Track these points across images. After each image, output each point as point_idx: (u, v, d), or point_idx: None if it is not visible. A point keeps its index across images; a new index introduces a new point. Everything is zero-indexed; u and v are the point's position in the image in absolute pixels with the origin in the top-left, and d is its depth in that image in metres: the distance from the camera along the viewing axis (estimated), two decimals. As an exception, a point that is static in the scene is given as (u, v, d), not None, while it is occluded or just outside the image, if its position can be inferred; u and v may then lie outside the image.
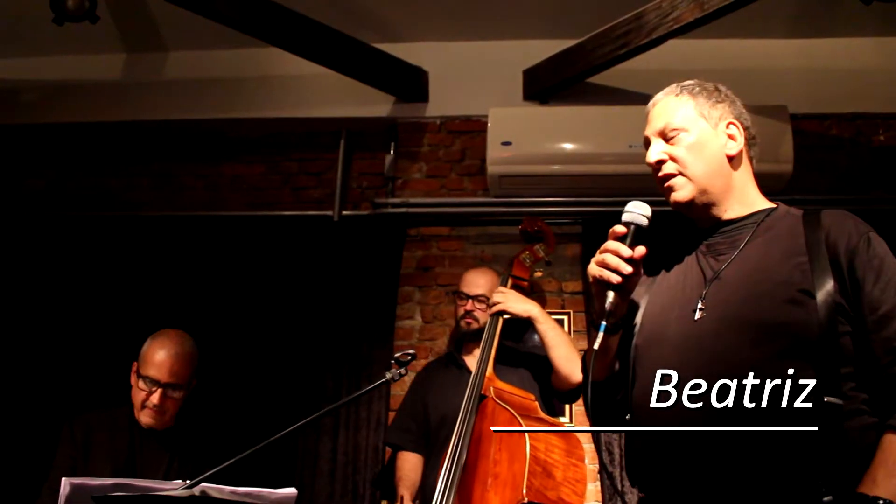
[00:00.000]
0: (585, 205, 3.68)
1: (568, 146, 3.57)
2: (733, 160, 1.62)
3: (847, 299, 1.42)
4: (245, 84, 4.01)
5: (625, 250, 1.52)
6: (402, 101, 3.95)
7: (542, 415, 2.74)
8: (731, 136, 1.62)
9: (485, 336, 2.92)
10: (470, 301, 3.09)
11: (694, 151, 1.59)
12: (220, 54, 4.03)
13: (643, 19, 3.32)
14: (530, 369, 2.97)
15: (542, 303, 3.68)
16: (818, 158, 3.72)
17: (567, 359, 2.82)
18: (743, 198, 1.61)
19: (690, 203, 1.60)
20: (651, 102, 1.70)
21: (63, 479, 1.83)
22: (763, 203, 1.63)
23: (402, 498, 2.84)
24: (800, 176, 3.49)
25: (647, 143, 1.67)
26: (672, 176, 1.60)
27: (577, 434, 2.76)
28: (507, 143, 3.57)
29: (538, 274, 3.53)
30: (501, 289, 3.03)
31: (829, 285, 1.41)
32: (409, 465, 2.98)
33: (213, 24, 3.44)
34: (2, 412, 3.52)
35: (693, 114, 1.62)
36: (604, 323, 1.50)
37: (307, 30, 3.52)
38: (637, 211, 1.55)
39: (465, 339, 3.14)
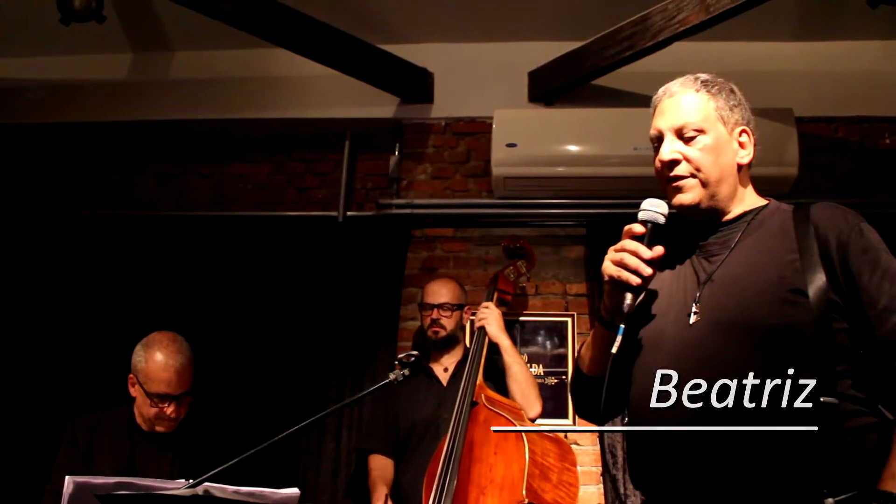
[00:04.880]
0: (590, 207, 3.67)
1: (573, 148, 3.57)
2: (741, 168, 1.60)
3: (840, 295, 1.40)
4: (250, 84, 4.02)
5: (644, 251, 1.48)
6: (407, 103, 3.95)
7: (529, 423, 2.82)
8: (741, 144, 1.60)
9: (474, 346, 2.99)
10: (435, 310, 3.17)
11: (710, 155, 1.55)
12: (226, 54, 4.04)
13: (649, 21, 3.32)
14: (503, 384, 3.02)
15: (546, 305, 3.70)
16: (824, 162, 3.71)
17: (524, 395, 2.95)
18: (741, 201, 1.60)
19: (696, 206, 1.56)
20: (665, 91, 1.63)
21: (67, 477, 1.83)
22: (756, 202, 1.61)
23: (386, 496, 2.91)
24: (805, 179, 3.48)
25: (658, 136, 1.60)
26: (683, 177, 1.55)
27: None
28: (511, 145, 3.56)
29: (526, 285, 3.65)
30: (488, 304, 3.13)
31: (821, 282, 1.40)
32: (384, 465, 3.05)
33: (218, 24, 3.44)
34: (6, 412, 3.53)
35: (713, 115, 1.57)
36: (622, 326, 1.47)
37: (312, 31, 3.53)
38: (654, 209, 1.52)
39: (433, 347, 3.20)
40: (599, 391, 1.58)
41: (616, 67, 3.55)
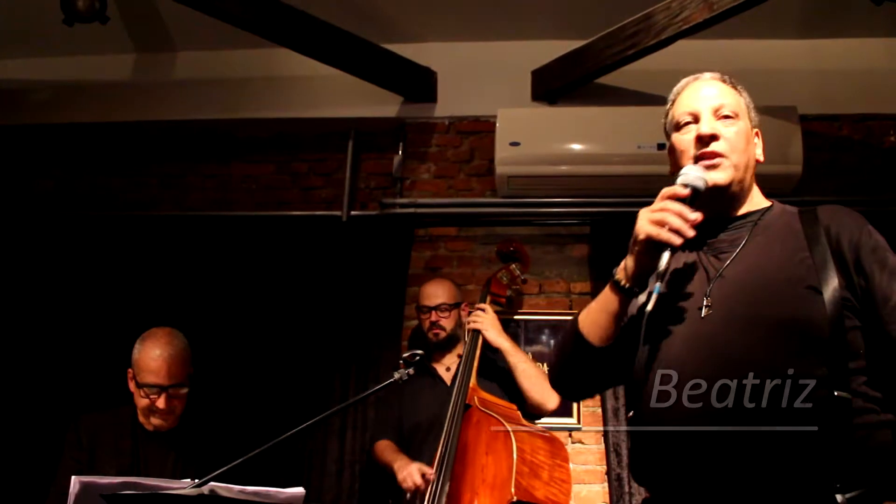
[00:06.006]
0: (593, 205, 3.67)
1: (576, 147, 3.57)
2: (755, 165, 1.64)
3: (853, 293, 1.42)
4: (254, 84, 4.03)
5: (689, 213, 1.44)
6: (411, 102, 3.96)
7: (525, 423, 2.79)
8: (755, 144, 1.65)
9: (467, 349, 2.97)
10: (433, 312, 3.16)
11: (742, 141, 1.58)
12: (230, 54, 4.04)
13: (652, 20, 3.32)
14: (507, 383, 3.00)
15: (550, 303, 3.69)
16: (828, 160, 3.70)
17: (537, 390, 2.91)
18: (751, 199, 1.63)
19: (725, 189, 1.55)
20: (696, 78, 1.66)
21: (73, 477, 1.83)
22: (761, 202, 1.63)
23: (421, 472, 2.75)
24: (809, 177, 3.47)
25: (694, 115, 1.60)
26: (720, 155, 1.55)
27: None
28: (515, 144, 3.57)
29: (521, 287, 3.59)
30: (482, 306, 3.12)
31: (835, 280, 1.41)
32: (391, 444, 3.00)
33: (222, 24, 3.45)
34: (10, 412, 3.54)
35: (744, 107, 1.63)
36: (658, 284, 1.42)
37: (316, 30, 3.53)
38: (696, 173, 1.50)
39: (434, 348, 3.19)
40: (602, 362, 1.58)
41: (619, 66, 3.54)
